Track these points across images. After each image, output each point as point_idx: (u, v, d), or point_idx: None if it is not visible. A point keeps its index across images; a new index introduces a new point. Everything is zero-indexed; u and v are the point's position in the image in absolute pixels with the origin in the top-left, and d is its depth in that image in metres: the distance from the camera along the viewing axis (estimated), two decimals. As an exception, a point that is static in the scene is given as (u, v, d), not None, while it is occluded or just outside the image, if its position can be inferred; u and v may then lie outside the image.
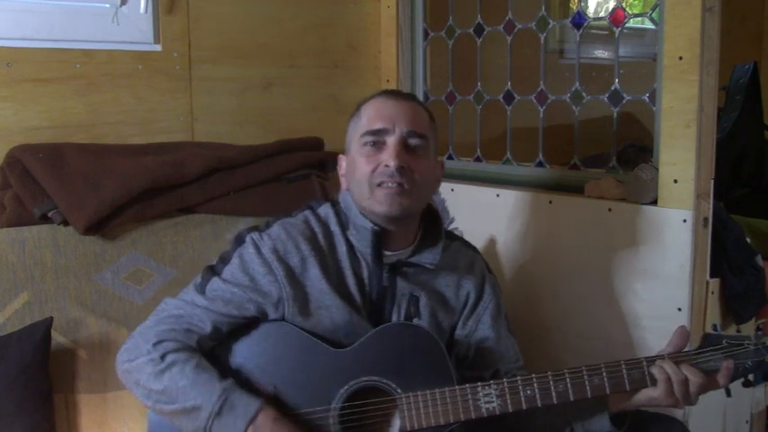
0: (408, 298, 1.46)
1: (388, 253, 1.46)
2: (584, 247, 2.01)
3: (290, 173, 2.04)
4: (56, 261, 1.71)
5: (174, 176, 1.86)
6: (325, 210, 1.49)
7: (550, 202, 2.08)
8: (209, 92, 2.19)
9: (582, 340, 2.01)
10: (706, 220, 1.83)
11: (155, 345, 1.33)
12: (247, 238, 1.43)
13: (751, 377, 1.37)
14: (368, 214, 1.42)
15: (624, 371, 1.33)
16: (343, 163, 1.51)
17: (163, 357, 1.31)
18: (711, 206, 1.84)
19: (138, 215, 1.81)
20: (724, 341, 1.36)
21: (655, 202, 1.88)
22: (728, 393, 1.37)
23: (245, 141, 2.12)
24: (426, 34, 2.47)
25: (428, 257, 1.47)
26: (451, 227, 2.26)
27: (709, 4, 1.75)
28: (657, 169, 1.87)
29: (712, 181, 1.83)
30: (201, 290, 1.39)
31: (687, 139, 1.80)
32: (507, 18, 2.25)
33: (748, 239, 2.17)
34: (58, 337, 1.65)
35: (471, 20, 2.34)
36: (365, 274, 1.45)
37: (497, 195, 2.21)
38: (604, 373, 1.32)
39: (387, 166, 1.37)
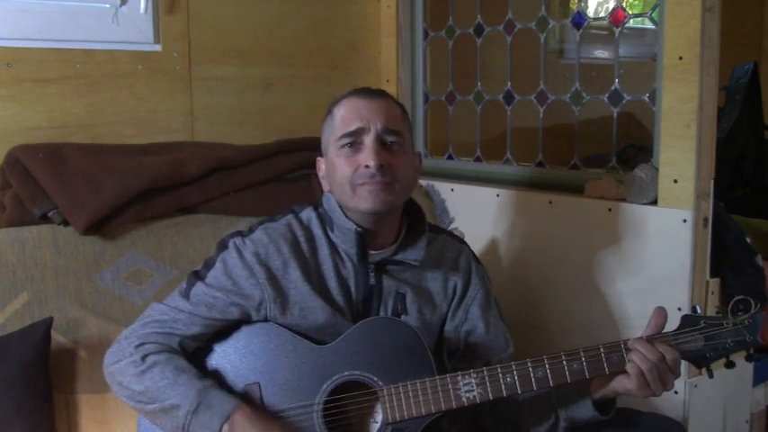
0: (395, 296, 1.47)
1: (372, 252, 1.47)
2: (584, 247, 2.01)
3: (290, 173, 2.04)
4: (56, 261, 1.71)
5: (173, 176, 1.86)
6: (308, 213, 1.51)
7: (550, 202, 2.08)
8: (209, 92, 2.19)
9: (582, 340, 2.01)
10: (706, 220, 1.83)
11: (137, 347, 1.37)
12: (230, 243, 1.46)
13: (732, 357, 1.37)
14: (352, 214, 1.44)
15: (603, 354, 1.34)
16: (321, 165, 1.52)
17: (144, 359, 1.36)
18: (711, 206, 1.84)
19: (138, 215, 1.80)
20: (702, 322, 1.36)
21: (655, 202, 1.88)
22: (711, 374, 1.38)
23: (245, 141, 2.12)
24: (426, 34, 2.47)
25: (412, 254, 1.48)
26: (451, 227, 2.26)
27: (710, 4, 1.75)
28: (657, 169, 1.87)
29: (712, 181, 1.84)
30: (186, 295, 1.43)
31: (687, 139, 1.80)
32: (507, 18, 2.26)
33: (748, 239, 2.17)
34: (58, 337, 1.65)
35: (471, 20, 2.35)
36: (350, 274, 1.47)
37: (497, 195, 2.21)
38: (583, 358, 1.33)
39: (367, 166, 1.39)
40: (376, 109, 1.43)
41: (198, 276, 1.45)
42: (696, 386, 1.85)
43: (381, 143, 1.41)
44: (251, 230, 1.48)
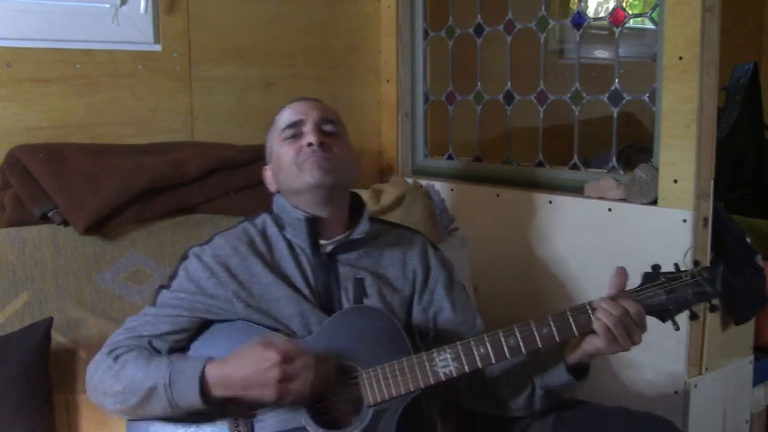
0: (354, 281, 1.51)
1: (324, 242, 1.52)
2: (585, 247, 2.01)
3: (290, 173, 2.04)
4: (56, 261, 1.71)
5: (173, 176, 1.86)
6: (262, 218, 1.58)
7: (550, 202, 2.08)
8: (209, 92, 2.19)
9: (582, 340, 2.01)
10: (706, 220, 1.83)
11: (108, 354, 1.43)
12: (190, 253, 1.53)
13: (696, 309, 1.41)
14: (300, 201, 1.49)
15: (570, 317, 1.37)
16: (267, 172, 1.59)
17: (116, 360, 1.40)
18: (711, 206, 1.84)
19: (138, 215, 1.80)
20: (662, 277, 1.40)
21: (655, 202, 1.88)
22: (677, 327, 1.41)
23: (245, 141, 2.12)
24: (426, 34, 2.47)
25: (358, 231, 1.53)
26: (451, 227, 2.26)
27: (710, 4, 1.76)
28: (657, 169, 1.87)
29: (712, 181, 1.84)
30: (153, 303, 1.49)
31: (687, 139, 1.80)
32: (507, 18, 2.26)
33: (748, 239, 2.17)
34: (58, 337, 1.65)
35: (471, 20, 2.35)
36: (307, 267, 1.51)
37: (497, 195, 2.21)
38: (551, 323, 1.37)
39: (309, 144, 1.48)
40: (312, 105, 1.56)
41: (163, 287, 1.51)
42: (696, 386, 1.85)
43: (320, 129, 1.51)
44: (209, 240, 1.55)
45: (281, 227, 1.54)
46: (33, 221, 1.73)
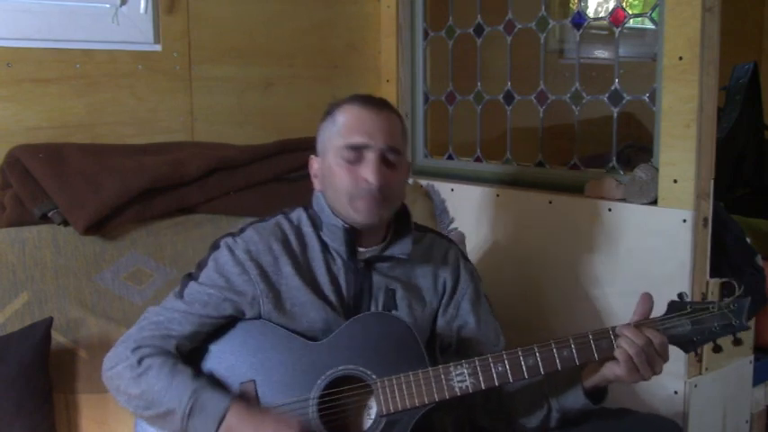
0: (385, 292, 1.50)
1: (361, 249, 1.49)
2: (584, 247, 2.01)
3: (291, 173, 2.04)
4: (56, 261, 1.71)
5: (173, 176, 1.86)
6: (298, 213, 1.54)
7: (550, 202, 2.08)
8: (209, 92, 2.19)
9: (582, 340, 2.01)
10: (706, 220, 1.83)
11: (133, 350, 1.39)
12: (222, 243, 1.49)
13: (719, 341, 1.39)
14: (342, 214, 1.46)
15: (592, 341, 1.36)
16: (314, 164, 1.54)
17: (140, 362, 1.37)
18: (711, 206, 1.84)
19: (138, 215, 1.81)
20: (688, 307, 1.39)
21: (655, 202, 1.88)
22: (699, 358, 1.39)
23: (245, 141, 2.12)
24: (426, 34, 2.47)
25: (400, 249, 1.51)
26: (451, 227, 2.26)
27: (709, 4, 1.76)
28: (657, 169, 1.87)
29: (712, 181, 1.84)
30: (180, 295, 1.45)
31: (687, 139, 1.80)
32: (507, 18, 2.26)
33: (748, 239, 2.17)
34: (58, 337, 1.65)
35: (471, 20, 2.35)
36: (340, 271, 1.49)
37: (497, 195, 2.21)
38: (573, 345, 1.36)
39: (367, 181, 1.41)
40: (380, 126, 1.44)
41: (191, 277, 1.47)
42: (696, 386, 1.85)
43: (383, 160, 1.44)
44: (241, 230, 1.51)
45: (316, 226, 1.50)
46: (33, 221, 1.73)
